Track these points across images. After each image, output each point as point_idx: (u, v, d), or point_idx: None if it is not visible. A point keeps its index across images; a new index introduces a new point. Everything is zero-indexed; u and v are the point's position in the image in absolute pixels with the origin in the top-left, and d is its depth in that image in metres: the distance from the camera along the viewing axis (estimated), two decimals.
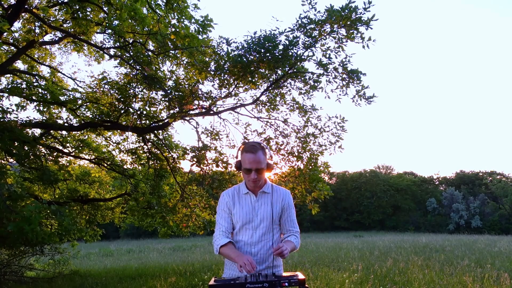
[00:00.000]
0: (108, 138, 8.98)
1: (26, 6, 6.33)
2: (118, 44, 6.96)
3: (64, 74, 8.89)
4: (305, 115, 7.30)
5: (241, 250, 2.31)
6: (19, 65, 8.57)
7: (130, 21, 6.17)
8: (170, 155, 8.63)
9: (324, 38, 5.80)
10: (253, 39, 5.92)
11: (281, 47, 5.91)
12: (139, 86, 7.45)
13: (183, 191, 8.40)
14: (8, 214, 4.44)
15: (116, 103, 7.69)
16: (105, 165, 9.20)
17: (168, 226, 9.44)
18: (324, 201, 7.48)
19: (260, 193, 2.32)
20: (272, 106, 7.55)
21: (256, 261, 2.27)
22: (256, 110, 7.65)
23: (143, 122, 7.91)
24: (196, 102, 7.12)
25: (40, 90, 6.83)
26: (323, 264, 8.84)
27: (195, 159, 7.27)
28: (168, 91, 7.11)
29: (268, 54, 5.92)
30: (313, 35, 5.72)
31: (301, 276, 2.01)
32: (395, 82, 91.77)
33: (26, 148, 6.02)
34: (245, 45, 6.04)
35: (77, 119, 7.85)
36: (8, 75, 7.64)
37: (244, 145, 2.28)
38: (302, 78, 6.72)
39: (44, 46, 8.37)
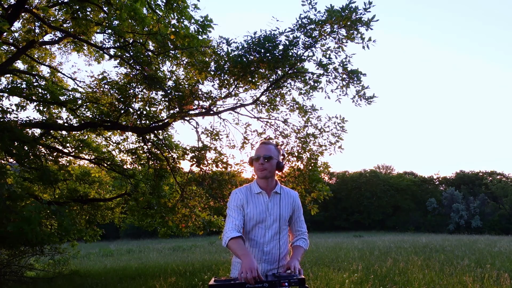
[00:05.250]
0: (108, 138, 8.98)
1: (26, 6, 6.33)
2: (118, 44, 6.96)
3: (64, 74, 8.90)
4: (305, 116, 7.30)
5: (253, 249, 2.33)
6: (19, 65, 8.58)
7: (130, 21, 6.18)
8: (170, 155, 8.63)
9: (324, 38, 5.80)
10: (253, 39, 5.92)
11: (281, 47, 5.91)
12: (139, 86, 7.45)
13: (182, 191, 8.40)
14: (8, 214, 4.44)
15: (116, 103, 7.68)
16: (105, 165, 9.19)
17: (168, 226, 9.43)
18: (324, 201, 7.48)
19: (272, 194, 2.37)
20: (272, 106, 7.55)
21: (268, 260, 2.32)
22: (256, 110, 7.66)
23: (143, 122, 7.90)
24: (196, 102, 7.12)
25: (40, 90, 6.82)
26: (323, 264, 8.84)
27: (195, 159, 7.27)
28: (168, 91, 7.11)
29: (268, 54, 5.92)
30: (313, 35, 5.72)
31: (301, 276, 2.01)
32: (395, 82, 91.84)
33: (26, 148, 6.02)
34: (245, 45, 6.03)
35: (77, 119, 7.84)
36: (8, 75, 7.65)
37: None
38: (302, 78, 6.71)
39: (44, 46, 8.37)
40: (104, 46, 7.32)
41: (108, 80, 7.75)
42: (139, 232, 37.50)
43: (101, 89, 7.78)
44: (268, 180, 2.34)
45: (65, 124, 7.50)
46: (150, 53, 6.94)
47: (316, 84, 6.65)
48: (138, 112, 7.76)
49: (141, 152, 8.77)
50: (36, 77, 8.00)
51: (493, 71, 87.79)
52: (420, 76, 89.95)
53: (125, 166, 9.33)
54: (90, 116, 7.91)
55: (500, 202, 45.27)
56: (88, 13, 6.90)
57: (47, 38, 7.80)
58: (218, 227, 9.08)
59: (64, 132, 8.20)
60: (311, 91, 6.84)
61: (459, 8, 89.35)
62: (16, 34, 7.88)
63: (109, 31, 6.63)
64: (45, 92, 6.72)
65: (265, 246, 2.32)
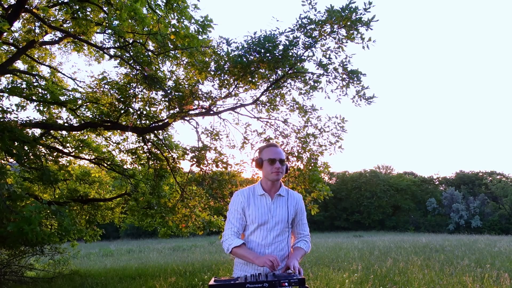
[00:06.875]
0: (108, 138, 8.98)
1: (26, 6, 6.33)
2: (118, 44, 6.96)
3: (64, 74, 8.90)
4: (305, 115, 7.29)
5: (254, 251, 2.33)
6: (19, 65, 8.58)
7: (130, 21, 6.17)
8: (170, 155, 8.63)
9: (324, 38, 5.80)
10: (253, 39, 5.92)
11: (281, 47, 5.91)
12: (139, 86, 7.46)
13: (183, 191, 8.40)
14: (8, 214, 4.44)
15: (116, 103, 7.69)
16: (105, 165, 9.20)
17: (168, 226, 9.44)
18: (324, 201, 7.49)
19: (276, 196, 2.37)
20: (272, 106, 7.55)
21: None
22: (256, 110, 7.65)
23: (143, 122, 7.91)
24: (196, 102, 7.12)
25: (40, 90, 6.82)
26: (323, 264, 8.84)
27: (195, 159, 7.26)
28: (168, 91, 7.11)
29: (268, 54, 5.92)
30: (313, 35, 5.72)
31: (301, 275, 2.01)
32: (395, 82, 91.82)
33: (26, 148, 6.02)
34: (245, 45, 6.03)
35: (77, 119, 7.85)
36: (8, 75, 7.65)
37: (263, 145, 2.44)
38: (302, 78, 6.71)
39: (44, 46, 8.37)
40: (104, 46, 7.32)
41: (108, 80, 7.76)
42: (139, 232, 37.52)
43: (101, 89, 7.79)
44: (275, 182, 2.35)
45: (65, 124, 7.50)
46: (150, 53, 6.94)
47: (316, 84, 6.65)
48: (138, 112, 7.76)
49: (141, 152, 8.77)
50: (36, 77, 8.00)
51: (493, 71, 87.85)
52: (420, 76, 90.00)
53: (125, 166, 9.33)
54: (90, 116, 7.92)
55: (500, 202, 45.27)
56: (88, 13, 6.90)
57: (47, 38, 7.81)
58: (218, 227, 9.08)
59: (64, 132, 8.20)
60: (311, 91, 6.84)
61: (459, 8, 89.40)
62: (16, 34, 7.89)
63: (109, 31, 6.63)
64: (45, 92, 6.71)
65: (267, 248, 2.32)
